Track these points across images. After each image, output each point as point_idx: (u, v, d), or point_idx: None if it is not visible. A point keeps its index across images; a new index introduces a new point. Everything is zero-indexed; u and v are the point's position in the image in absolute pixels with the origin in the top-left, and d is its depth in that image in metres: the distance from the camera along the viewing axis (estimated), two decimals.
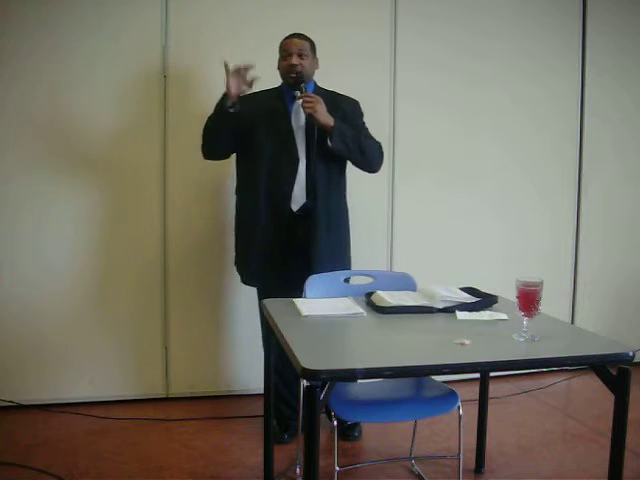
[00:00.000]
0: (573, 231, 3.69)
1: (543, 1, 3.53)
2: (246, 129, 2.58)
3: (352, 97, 2.71)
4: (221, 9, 3.07)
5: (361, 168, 2.66)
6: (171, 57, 3.03)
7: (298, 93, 2.54)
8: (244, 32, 3.07)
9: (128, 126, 3.03)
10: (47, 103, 2.94)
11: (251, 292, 2.84)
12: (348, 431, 2.70)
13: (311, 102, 2.46)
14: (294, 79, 2.55)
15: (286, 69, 2.57)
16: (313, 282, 2.30)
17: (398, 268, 3.27)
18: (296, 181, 2.55)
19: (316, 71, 2.69)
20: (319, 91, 2.63)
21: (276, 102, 2.63)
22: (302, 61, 2.56)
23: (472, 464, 2.48)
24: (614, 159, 3.71)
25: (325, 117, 2.49)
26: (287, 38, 2.61)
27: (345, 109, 2.63)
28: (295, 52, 2.56)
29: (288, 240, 2.59)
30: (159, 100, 3.05)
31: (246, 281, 2.76)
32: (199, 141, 3.12)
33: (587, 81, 3.62)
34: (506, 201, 3.55)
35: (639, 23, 3.68)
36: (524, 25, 3.49)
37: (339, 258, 2.64)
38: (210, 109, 3.07)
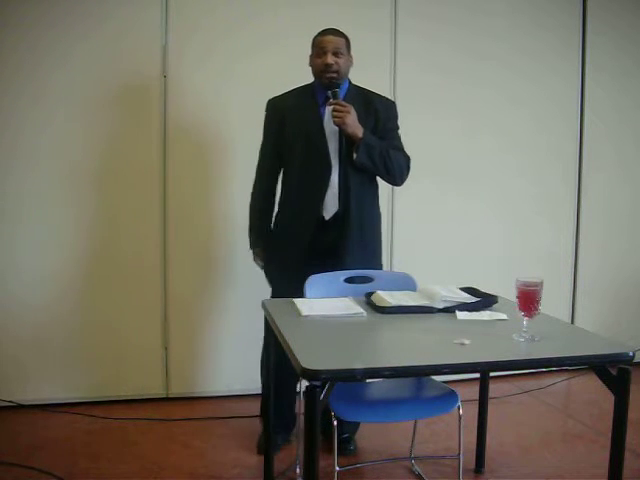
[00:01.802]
0: (573, 231, 3.70)
1: (543, 1, 3.53)
2: (283, 139, 2.54)
3: (388, 97, 2.64)
4: (221, 9, 3.07)
5: (384, 180, 2.59)
6: (171, 57, 3.04)
7: (330, 95, 2.43)
8: (244, 32, 3.07)
9: (128, 126, 3.03)
10: (46, 103, 2.94)
11: (251, 292, 2.84)
12: (343, 444, 2.57)
13: (341, 112, 2.37)
14: (330, 79, 2.43)
15: (321, 68, 2.44)
16: (313, 282, 2.30)
17: (398, 268, 3.27)
18: (328, 189, 2.46)
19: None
20: (353, 90, 2.55)
21: (309, 104, 2.51)
22: (338, 59, 2.44)
23: (472, 464, 2.48)
24: (614, 159, 3.71)
25: (354, 129, 2.39)
26: (321, 34, 2.48)
27: (378, 109, 2.53)
28: (331, 50, 2.43)
29: (317, 247, 2.49)
30: (159, 100, 3.05)
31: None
32: (199, 141, 3.12)
33: (587, 81, 3.62)
34: (506, 201, 3.55)
35: (639, 23, 3.69)
36: (524, 25, 3.50)
37: (371, 267, 2.54)
38: (210, 109, 3.08)
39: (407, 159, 2.58)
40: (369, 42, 3.22)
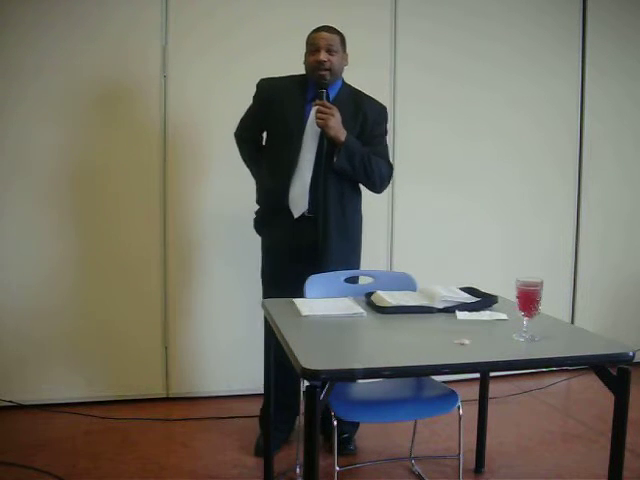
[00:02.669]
0: (573, 231, 3.70)
1: (543, 2, 3.53)
2: (265, 121, 2.55)
3: (380, 102, 2.59)
4: (220, 9, 3.07)
5: (364, 186, 2.57)
6: (171, 57, 3.04)
7: (317, 95, 2.41)
8: (244, 32, 3.07)
9: (128, 126, 3.03)
10: (47, 103, 2.94)
11: (251, 291, 2.84)
12: (343, 444, 2.56)
13: (325, 114, 2.35)
14: (321, 77, 2.39)
15: (314, 65, 2.40)
16: (313, 282, 2.30)
17: (398, 268, 3.27)
18: (294, 186, 2.44)
19: None
20: (345, 90, 2.52)
21: (297, 97, 2.48)
22: (331, 57, 2.40)
23: (472, 464, 2.48)
24: (614, 159, 3.71)
25: (336, 132, 2.36)
26: (315, 31, 2.45)
27: (367, 113, 2.49)
28: (324, 47, 2.39)
29: (296, 242, 2.49)
30: (159, 100, 3.05)
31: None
32: (198, 141, 3.12)
33: (587, 81, 3.62)
34: (506, 201, 3.55)
35: (639, 23, 3.69)
36: (524, 26, 3.50)
37: (351, 265, 2.54)
38: (209, 109, 3.08)
39: (389, 167, 2.56)
40: (369, 42, 3.23)
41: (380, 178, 2.52)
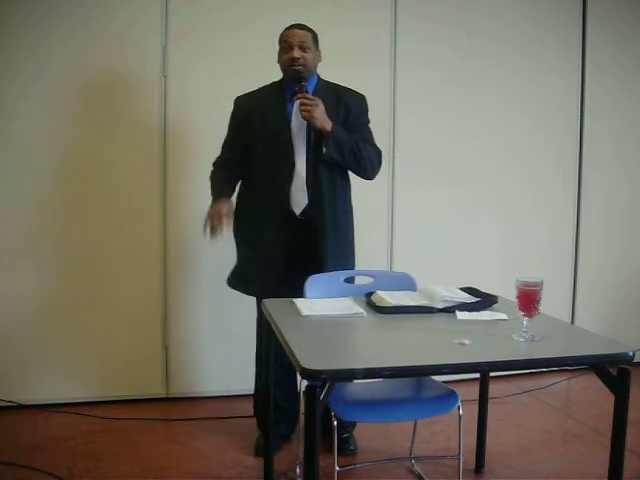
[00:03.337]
0: (573, 231, 3.69)
1: (543, 1, 3.53)
2: (247, 137, 2.53)
3: (358, 91, 2.59)
4: (220, 9, 3.07)
5: (356, 174, 2.57)
6: (171, 57, 3.04)
7: (297, 89, 2.41)
8: (243, 32, 3.07)
9: (128, 126, 3.03)
10: (47, 103, 2.94)
11: None
12: (343, 444, 2.56)
13: (309, 105, 2.35)
14: (296, 72, 2.40)
15: (287, 62, 2.42)
16: (313, 282, 2.30)
17: (398, 268, 3.27)
18: (294, 184, 2.44)
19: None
20: (322, 84, 2.53)
21: (276, 100, 2.50)
22: (304, 54, 2.41)
23: (472, 464, 2.48)
24: (614, 159, 3.71)
25: (322, 122, 2.36)
26: (287, 29, 2.47)
27: (349, 103, 2.51)
28: (296, 44, 2.41)
29: (292, 245, 2.49)
30: (159, 100, 3.05)
31: (248, 292, 2.63)
32: (199, 141, 3.12)
33: (587, 80, 3.62)
34: (506, 201, 3.55)
35: (639, 23, 3.69)
36: (524, 25, 3.49)
37: (345, 261, 2.54)
38: (209, 109, 3.08)
39: (378, 153, 2.57)
40: (369, 42, 3.23)
41: (371, 163, 2.52)
